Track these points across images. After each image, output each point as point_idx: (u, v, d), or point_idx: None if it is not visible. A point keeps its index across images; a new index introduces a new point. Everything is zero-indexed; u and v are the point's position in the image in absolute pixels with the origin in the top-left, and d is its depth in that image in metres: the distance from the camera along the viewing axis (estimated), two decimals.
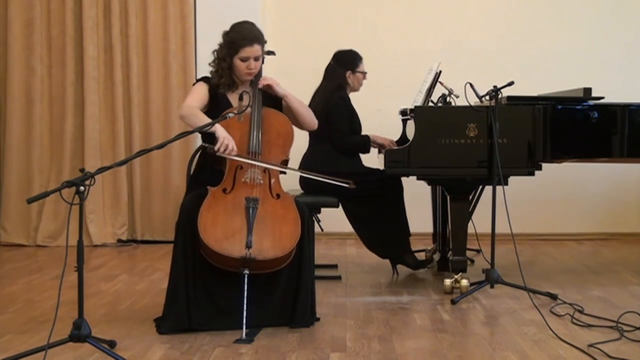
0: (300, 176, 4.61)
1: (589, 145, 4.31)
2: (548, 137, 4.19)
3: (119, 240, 6.03)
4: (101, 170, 2.95)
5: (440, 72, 4.63)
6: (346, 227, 4.75)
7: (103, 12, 5.98)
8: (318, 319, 3.56)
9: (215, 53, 3.66)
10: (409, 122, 4.57)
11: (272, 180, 3.51)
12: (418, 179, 4.38)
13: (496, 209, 4.04)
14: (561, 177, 5.85)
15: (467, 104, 4.10)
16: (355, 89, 4.73)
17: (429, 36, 6.23)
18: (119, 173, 5.97)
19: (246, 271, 3.28)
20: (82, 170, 2.85)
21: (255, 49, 3.58)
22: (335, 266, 4.98)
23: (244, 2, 5.81)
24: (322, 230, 4.67)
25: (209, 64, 3.70)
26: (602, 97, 4.30)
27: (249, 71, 3.60)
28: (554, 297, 3.97)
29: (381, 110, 5.87)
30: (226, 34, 3.64)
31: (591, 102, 4.28)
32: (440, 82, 4.62)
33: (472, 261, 5.09)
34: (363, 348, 3.15)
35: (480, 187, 4.50)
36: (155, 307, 3.67)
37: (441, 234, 4.97)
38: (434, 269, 4.85)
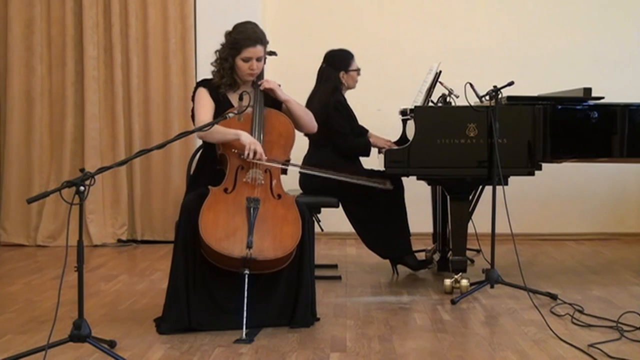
0: (301, 176, 4.61)
1: (589, 145, 4.31)
2: (548, 137, 4.19)
3: (119, 240, 6.03)
4: (101, 170, 2.95)
5: (440, 72, 4.63)
6: (346, 227, 4.75)
7: (103, 12, 5.98)
8: (318, 319, 3.56)
9: (218, 53, 3.66)
10: (409, 122, 4.57)
11: (274, 181, 3.51)
12: (418, 179, 4.38)
13: (496, 209, 4.04)
14: (561, 177, 5.85)
15: (467, 104, 4.10)
16: (351, 87, 4.72)
17: (429, 36, 6.23)
18: (119, 173, 5.97)
19: (246, 271, 3.28)
20: (82, 170, 2.85)
21: (258, 49, 3.58)
22: (335, 266, 4.98)
23: (244, 3, 5.81)
24: (322, 230, 4.68)
25: (211, 64, 3.70)
26: (602, 97, 4.30)
27: (251, 71, 3.60)
28: (554, 297, 3.97)
29: (381, 110, 5.88)
30: (229, 34, 3.64)
31: (591, 102, 4.29)
32: (440, 82, 4.62)
33: (472, 261, 5.10)
34: (363, 348, 3.15)
35: (480, 187, 4.50)
36: (155, 307, 3.67)
37: (441, 234, 4.97)
38: (434, 269, 4.85)
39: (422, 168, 4.22)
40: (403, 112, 4.83)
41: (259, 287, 3.40)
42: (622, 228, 6.31)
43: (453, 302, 3.93)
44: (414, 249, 4.71)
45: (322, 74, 4.67)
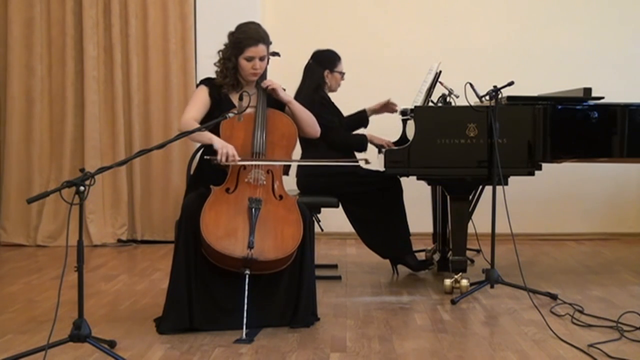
0: (299, 177, 4.61)
1: (589, 145, 4.31)
2: (548, 137, 4.19)
3: (119, 240, 6.03)
4: (101, 170, 2.95)
5: (440, 72, 4.63)
6: (346, 227, 4.75)
7: (103, 12, 5.98)
8: (318, 319, 3.56)
9: (221, 53, 3.66)
10: (409, 122, 4.57)
11: (276, 182, 3.51)
12: (418, 179, 4.38)
13: (496, 209, 4.04)
14: (561, 177, 5.85)
15: (467, 104, 4.10)
16: (333, 89, 4.69)
17: (430, 36, 6.23)
18: (119, 173, 5.97)
19: (247, 271, 3.29)
20: (82, 170, 2.85)
21: (260, 49, 3.58)
22: (335, 266, 4.98)
23: (244, 3, 5.81)
24: (322, 230, 4.68)
25: (214, 64, 3.70)
26: (602, 97, 4.30)
27: (254, 71, 3.60)
28: (554, 297, 3.97)
29: None
30: (232, 34, 3.64)
31: (591, 102, 4.28)
32: (440, 82, 4.62)
33: (472, 261, 5.09)
34: (363, 348, 3.15)
35: (480, 187, 4.50)
36: (155, 307, 3.67)
37: (441, 234, 4.97)
38: (434, 269, 4.84)
39: (422, 168, 4.22)
40: (403, 112, 4.83)
41: (259, 288, 3.40)
42: (622, 228, 6.31)
43: (453, 302, 3.93)
44: (414, 249, 4.71)
45: (307, 70, 4.66)
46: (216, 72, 3.69)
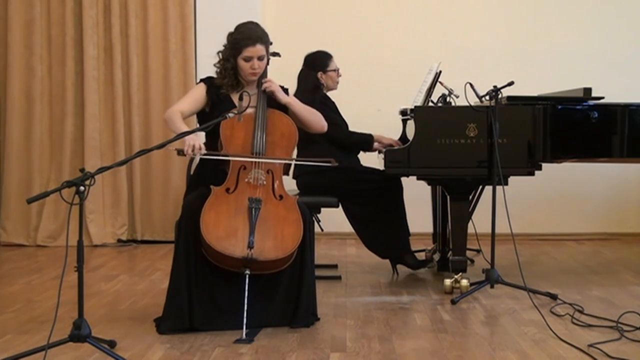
0: (298, 177, 4.61)
1: (589, 145, 4.31)
2: (548, 137, 4.19)
3: (119, 240, 6.03)
4: (101, 170, 2.95)
5: (440, 72, 4.63)
6: (346, 227, 4.75)
7: (103, 12, 5.98)
8: (318, 319, 3.57)
9: (220, 54, 3.67)
10: (409, 122, 4.57)
11: (276, 182, 3.51)
12: (418, 179, 4.38)
13: (496, 209, 4.04)
14: (561, 177, 5.85)
15: (467, 104, 4.10)
16: (332, 88, 4.71)
17: (429, 36, 6.23)
18: (119, 173, 5.97)
19: (247, 271, 3.29)
20: (82, 170, 2.85)
21: (258, 48, 3.58)
22: (335, 266, 4.98)
23: (244, 2, 5.81)
24: (322, 230, 4.68)
25: (214, 65, 3.70)
26: (602, 97, 4.30)
27: (252, 71, 3.60)
28: (554, 297, 3.97)
29: (381, 110, 5.88)
30: (230, 35, 3.65)
31: (591, 102, 4.28)
32: (440, 82, 4.62)
33: (472, 261, 5.09)
34: (363, 348, 3.15)
35: (480, 187, 4.50)
36: (155, 307, 3.67)
37: (441, 234, 4.97)
38: (434, 269, 4.85)
39: (422, 168, 4.22)
40: (403, 112, 4.83)
41: (259, 288, 3.40)
42: (622, 228, 6.31)
43: (453, 302, 3.93)
44: (414, 249, 4.71)
45: (301, 76, 4.67)
46: (216, 72, 3.70)
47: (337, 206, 4.52)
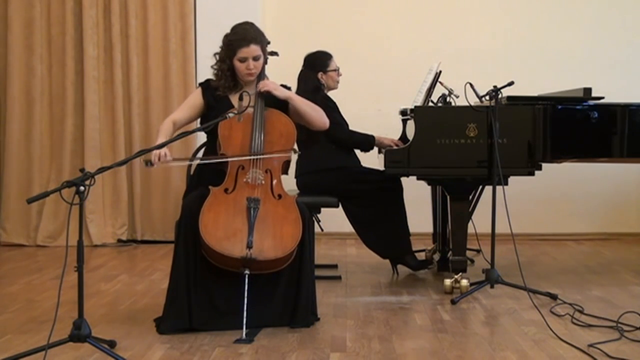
0: (298, 176, 4.61)
1: (589, 145, 4.31)
2: (548, 137, 4.19)
3: (119, 240, 6.03)
4: (101, 170, 2.96)
5: (440, 72, 4.63)
6: (346, 227, 4.75)
7: (103, 12, 5.98)
8: (318, 319, 3.57)
9: (217, 56, 3.67)
10: (409, 122, 4.57)
11: (274, 181, 3.51)
12: (418, 179, 4.38)
13: (496, 209, 4.04)
14: (561, 177, 5.84)
15: (467, 104, 4.10)
16: (333, 88, 4.70)
17: (429, 36, 6.23)
18: (119, 173, 5.97)
19: (247, 271, 3.29)
20: (82, 170, 2.85)
21: (252, 49, 3.58)
22: (335, 266, 4.98)
23: (244, 2, 5.81)
24: (322, 230, 4.68)
25: (211, 67, 3.70)
26: (602, 97, 4.30)
27: (248, 71, 3.60)
28: (554, 297, 3.97)
29: (381, 110, 5.88)
30: (225, 37, 3.65)
31: (591, 102, 4.28)
32: (440, 82, 4.62)
33: (472, 261, 5.10)
34: (363, 348, 3.15)
35: (480, 187, 4.50)
36: (155, 307, 3.67)
37: (441, 234, 4.97)
38: (434, 269, 4.85)
39: (422, 168, 4.22)
40: (403, 112, 4.83)
41: (259, 287, 3.40)
42: (622, 228, 6.31)
43: (453, 302, 3.93)
44: (414, 249, 4.71)
45: (300, 77, 4.66)
46: (213, 74, 3.70)
47: (337, 206, 4.52)
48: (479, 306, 3.92)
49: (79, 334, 2.84)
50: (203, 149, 3.80)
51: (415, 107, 4.35)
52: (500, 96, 4.04)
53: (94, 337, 2.89)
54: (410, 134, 4.32)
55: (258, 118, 3.56)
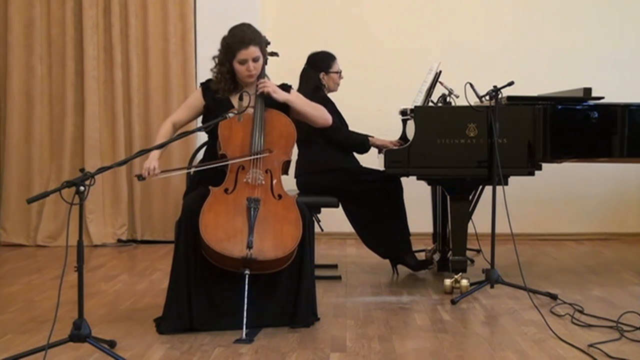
0: (298, 177, 4.61)
1: (589, 145, 4.31)
2: (548, 137, 4.19)
3: (119, 240, 6.03)
4: (101, 170, 2.96)
5: (440, 72, 4.63)
6: (346, 227, 4.75)
7: (103, 12, 5.98)
8: (318, 319, 3.57)
9: (216, 59, 3.67)
10: (409, 122, 4.57)
11: (274, 181, 3.51)
12: (418, 179, 4.38)
13: (496, 209, 4.04)
14: (561, 177, 5.85)
15: (467, 104, 4.10)
16: (333, 89, 4.70)
17: (429, 36, 6.23)
18: (119, 173, 5.97)
19: (247, 271, 3.29)
20: (82, 170, 2.85)
21: (251, 50, 3.58)
22: (335, 266, 4.98)
23: (244, 2, 5.81)
24: (322, 230, 4.68)
25: (211, 70, 3.71)
26: (602, 97, 4.30)
27: (249, 73, 3.60)
28: (554, 297, 3.97)
29: (381, 110, 5.87)
30: (224, 39, 3.65)
31: (591, 102, 4.28)
32: (440, 82, 4.62)
33: (472, 261, 5.10)
34: (363, 348, 3.15)
35: (480, 187, 4.50)
36: (155, 307, 3.67)
37: (441, 234, 4.97)
38: (434, 269, 4.84)
39: (422, 168, 4.22)
40: (403, 112, 4.83)
41: (259, 287, 3.41)
42: (622, 228, 6.31)
43: (453, 302, 3.93)
44: (414, 249, 4.71)
45: (303, 75, 4.66)
46: (213, 77, 3.70)
47: (337, 206, 4.52)
48: (479, 306, 3.92)
49: (79, 334, 2.84)
50: (203, 149, 3.80)
51: (415, 107, 4.35)
52: (500, 96, 4.04)
53: (94, 337, 2.89)
54: (410, 134, 4.32)
55: (258, 118, 3.56)
